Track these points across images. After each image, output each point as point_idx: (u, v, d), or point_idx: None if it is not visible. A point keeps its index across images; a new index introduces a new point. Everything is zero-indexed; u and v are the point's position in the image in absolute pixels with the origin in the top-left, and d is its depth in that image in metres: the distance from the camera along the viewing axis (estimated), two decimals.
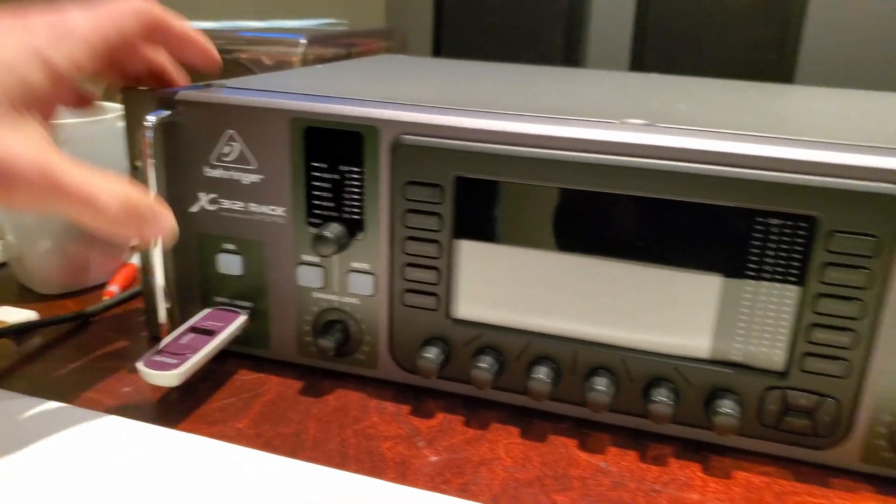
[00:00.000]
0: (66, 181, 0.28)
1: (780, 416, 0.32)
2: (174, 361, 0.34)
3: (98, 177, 0.29)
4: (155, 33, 0.35)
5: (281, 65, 0.57)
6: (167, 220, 0.32)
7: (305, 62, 0.58)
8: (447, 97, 0.38)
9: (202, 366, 0.35)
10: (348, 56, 0.64)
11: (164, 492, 0.29)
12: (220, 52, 0.42)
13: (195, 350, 0.35)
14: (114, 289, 0.46)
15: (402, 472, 0.31)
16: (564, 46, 0.91)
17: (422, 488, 0.30)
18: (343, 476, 0.30)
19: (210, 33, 0.63)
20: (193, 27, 0.37)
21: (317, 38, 0.58)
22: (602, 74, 0.56)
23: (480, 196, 0.33)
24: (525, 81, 0.49)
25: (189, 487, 0.29)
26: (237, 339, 0.39)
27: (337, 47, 0.63)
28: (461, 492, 0.30)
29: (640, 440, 0.34)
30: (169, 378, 0.33)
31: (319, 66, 0.50)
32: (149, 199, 0.32)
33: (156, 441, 0.32)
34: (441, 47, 0.97)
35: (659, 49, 0.89)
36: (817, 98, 0.49)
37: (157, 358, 0.34)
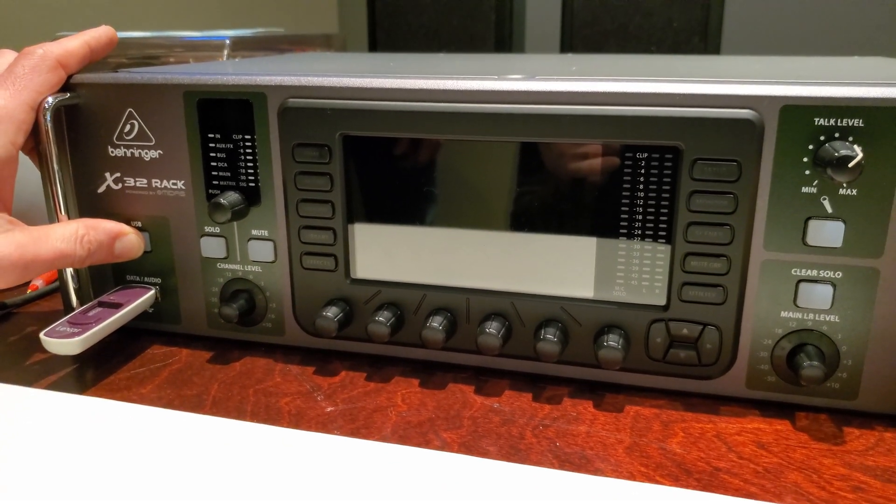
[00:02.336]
0: (39, 254, 0.34)
1: (666, 349, 0.33)
2: (76, 331, 0.34)
3: (56, 232, 0.35)
4: (64, 67, 0.37)
5: None
6: (125, 237, 0.37)
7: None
8: (336, 68, 0.39)
9: (107, 335, 0.36)
10: None
11: (50, 448, 0.29)
12: (150, 58, 0.43)
13: (99, 321, 0.35)
14: (38, 283, 0.47)
15: (295, 422, 0.32)
16: (495, 42, 0.94)
17: (312, 432, 0.30)
18: (233, 423, 0.31)
19: (140, 41, 0.65)
20: (99, 35, 0.39)
21: (243, 42, 0.60)
22: (518, 57, 0.58)
23: (366, 155, 0.34)
24: (430, 63, 0.50)
25: (77, 442, 0.29)
26: (150, 316, 0.39)
27: (267, 51, 0.65)
28: (351, 434, 0.30)
29: (537, 384, 0.35)
30: (69, 346, 0.33)
31: (231, 60, 0.52)
32: (102, 225, 0.36)
33: (57, 406, 0.32)
34: (377, 50, 1.00)
35: (587, 39, 0.91)
36: (713, 61, 0.51)
37: (60, 328, 0.34)
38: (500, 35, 0.94)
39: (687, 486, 0.27)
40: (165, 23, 1.21)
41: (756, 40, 1.52)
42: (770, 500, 0.26)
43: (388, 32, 0.97)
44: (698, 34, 0.86)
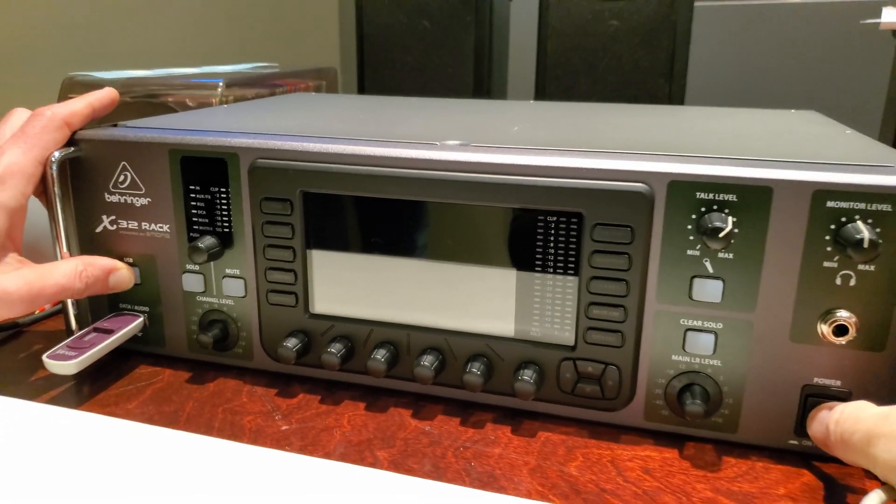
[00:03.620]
0: (44, 288, 0.40)
1: (574, 383, 0.38)
2: (73, 354, 0.40)
3: (59, 269, 0.40)
4: (70, 126, 0.43)
5: (202, 105, 0.65)
6: (118, 271, 0.43)
7: (224, 102, 0.65)
8: (304, 126, 0.45)
9: (101, 357, 0.41)
10: (272, 95, 0.72)
11: (51, 456, 0.35)
12: (151, 96, 0.49)
13: (94, 345, 0.41)
14: (45, 304, 0.53)
15: (254, 438, 0.37)
16: (474, 81, 0.99)
17: (266, 448, 0.36)
18: (200, 438, 0.36)
19: (142, 80, 0.71)
20: (121, 81, 0.45)
21: (236, 81, 0.66)
22: (482, 104, 0.63)
23: (323, 208, 0.40)
24: (392, 112, 0.56)
25: (74, 452, 0.35)
26: (138, 339, 0.45)
27: (260, 87, 0.70)
28: (299, 450, 0.36)
29: (467, 410, 0.40)
30: (67, 367, 0.39)
31: (223, 105, 0.57)
32: (98, 261, 0.42)
33: (52, 419, 0.38)
34: (365, 85, 1.05)
35: (559, 79, 0.96)
36: (650, 115, 0.56)
37: (60, 351, 0.40)
38: (479, 75, 1.00)
39: None
40: (172, 54, 1.27)
41: (721, 83, 1.58)
42: None
43: (375, 68, 1.03)
44: (663, 76, 0.91)
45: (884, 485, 0.29)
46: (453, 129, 0.46)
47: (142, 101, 0.47)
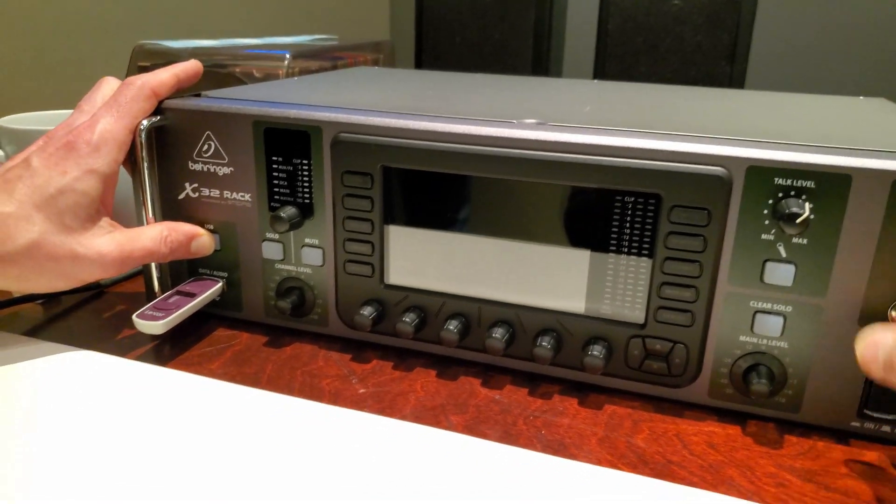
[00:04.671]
0: (133, 251, 0.42)
1: (642, 360, 0.39)
2: (161, 314, 0.42)
3: (146, 233, 0.43)
4: (158, 95, 0.44)
5: (269, 77, 0.66)
6: (200, 237, 0.45)
7: (290, 74, 0.66)
8: (382, 101, 0.46)
9: (184, 319, 0.44)
10: (334, 68, 0.73)
11: (149, 409, 0.37)
12: (218, 66, 0.51)
13: (179, 307, 0.43)
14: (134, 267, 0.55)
15: (333, 400, 0.39)
16: (533, 58, 0.99)
17: (348, 409, 0.38)
18: (284, 398, 0.38)
19: (209, 50, 0.72)
20: (189, 50, 0.46)
21: (301, 53, 0.67)
22: (546, 81, 0.64)
23: (402, 183, 0.41)
24: (460, 87, 0.57)
25: (169, 407, 0.37)
26: (217, 304, 0.47)
27: (323, 60, 0.72)
28: (378, 412, 0.38)
29: (534, 381, 0.42)
30: (156, 327, 0.42)
31: (294, 78, 0.59)
32: (182, 227, 0.44)
33: (146, 375, 0.41)
34: (422, 59, 1.05)
35: (619, 58, 0.95)
36: (721, 99, 0.56)
37: (148, 312, 0.43)
38: (538, 52, 0.99)
39: (642, 474, 0.34)
40: (228, 26, 1.29)
41: (782, 68, 1.54)
42: (706, 489, 0.33)
43: (433, 43, 1.03)
44: (725, 58, 0.89)
45: None
46: (526, 108, 0.47)
47: (209, 70, 0.49)
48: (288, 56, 0.64)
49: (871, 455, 0.36)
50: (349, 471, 0.33)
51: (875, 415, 0.37)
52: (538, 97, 0.54)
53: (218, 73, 0.62)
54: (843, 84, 1.55)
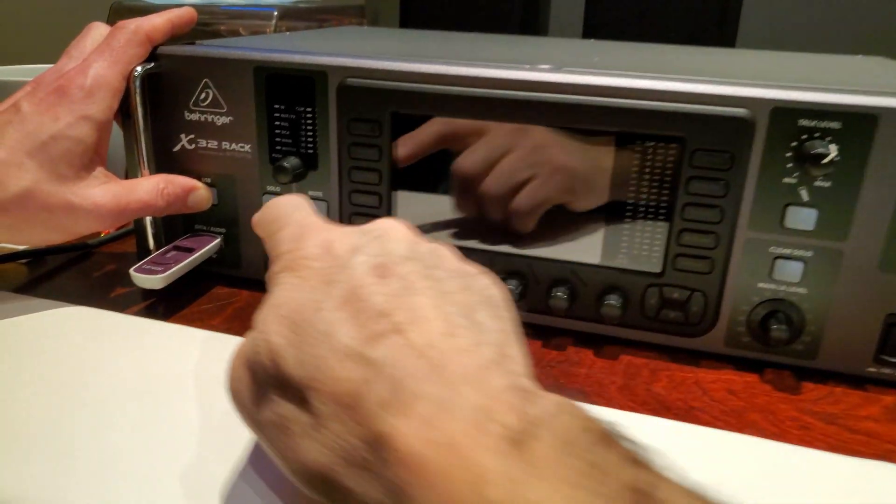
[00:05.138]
0: (130, 203, 0.40)
1: (658, 309, 0.39)
2: (159, 269, 0.40)
3: (142, 185, 0.40)
4: (152, 41, 0.42)
5: (256, 35, 0.64)
6: (197, 191, 0.43)
7: (278, 32, 0.64)
8: (387, 50, 0.45)
9: (182, 274, 0.42)
10: (320, 28, 0.71)
11: (156, 362, 0.35)
12: (201, 24, 0.48)
13: (177, 262, 0.41)
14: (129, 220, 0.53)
15: None
16: (522, 22, 0.97)
17: None
18: None
19: (193, 8, 0.69)
20: (171, 7, 0.44)
21: (288, 13, 0.65)
22: (543, 40, 0.63)
23: (411, 130, 0.40)
24: (463, 44, 0.55)
25: (177, 359, 0.36)
26: (215, 261, 0.45)
27: (309, 21, 0.69)
28: None
29: (546, 334, 0.41)
30: (154, 281, 0.40)
31: (287, 32, 0.57)
32: (179, 180, 0.42)
33: (147, 329, 0.39)
34: (407, 24, 1.03)
35: (608, 23, 0.95)
36: (723, 54, 0.55)
37: (146, 266, 0.41)
38: (527, 16, 0.98)
39: (665, 419, 0.33)
40: None
41: (772, 31, 1.54)
42: (731, 431, 0.32)
43: (419, 6, 1.01)
44: (714, 22, 0.89)
45: None
46: (535, 57, 0.46)
47: (194, 29, 0.46)
48: (275, 14, 0.62)
49: (889, 399, 0.36)
50: None
51: (892, 360, 0.37)
52: (542, 50, 0.53)
53: (202, 31, 0.60)
54: (836, 47, 1.57)
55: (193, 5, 0.73)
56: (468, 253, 0.41)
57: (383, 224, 0.27)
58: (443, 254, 0.26)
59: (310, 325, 0.21)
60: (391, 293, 0.22)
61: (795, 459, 0.30)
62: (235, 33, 0.63)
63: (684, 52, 0.55)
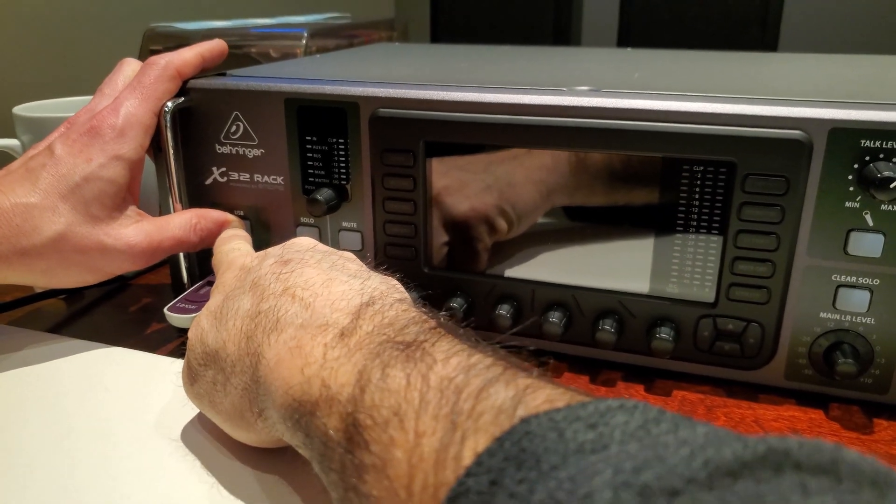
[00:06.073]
0: (163, 241, 0.39)
1: (712, 341, 0.37)
2: (193, 307, 0.40)
3: (174, 222, 0.40)
4: (182, 76, 0.41)
5: (286, 56, 0.63)
6: (230, 224, 0.42)
7: (308, 53, 0.63)
8: (418, 75, 0.43)
9: None
10: (350, 46, 0.70)
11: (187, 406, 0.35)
12: (232, 47, 0.48)
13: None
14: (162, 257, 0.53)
15: None
16: (554, 29, 0.95)
17: None
18: None
19: (222, 31, 0.69)
20: (202, 32, 0.43)
21: (318, 31, 0.64)
22: (579, 51, 0.61)
23: (445, 157, 0.38)
24: (494, 59, 0.54)
25: None
26: None
27: (339, 38, 0.69)
28: None
29: (594, 368, 0.39)
30: (188, 320, 0.39)
31: (317, 55, 0.56)
32: (211, 214, 0.41)
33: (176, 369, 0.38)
34: (438, 35, 1.02)
35: (644, 27, 0.92)
36: (770, 62, 0.53)
37: (180, 304, 0.40)
38: (559, 23, 0.96)
39: None
40: (233, 6, 1.26)
41: (815, 32, 1.49)
42: None
43: (449, 17, 1.00)
44: (757, 24, 0.86)
45: None
46: (571, 75, 0.44)
47: None
48: (305, 34, 0.61)
49: None
50: None
51: None
52: (578, 64, 0.51)
53: (232, 53, 0.59)
54: (881, 48, 1.50)
55: (223, 28, 0.73)
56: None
57: (294, 238, 0.33)
58: (343, 252, 0.32)
59: (225, 310, 0.29)
60: (288, 271, 0.28)
61: None
62: (266, 55, 0.62)
63: (727, 61, 0.53)
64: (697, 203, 0.35)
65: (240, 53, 0.61)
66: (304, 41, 0.62)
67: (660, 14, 0.91)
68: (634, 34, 0.93)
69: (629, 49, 0.62)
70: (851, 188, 0.33)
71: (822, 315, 0.35)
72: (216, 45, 0.44)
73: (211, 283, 0.43)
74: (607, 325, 0.37)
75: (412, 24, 0.85)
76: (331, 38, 0.68)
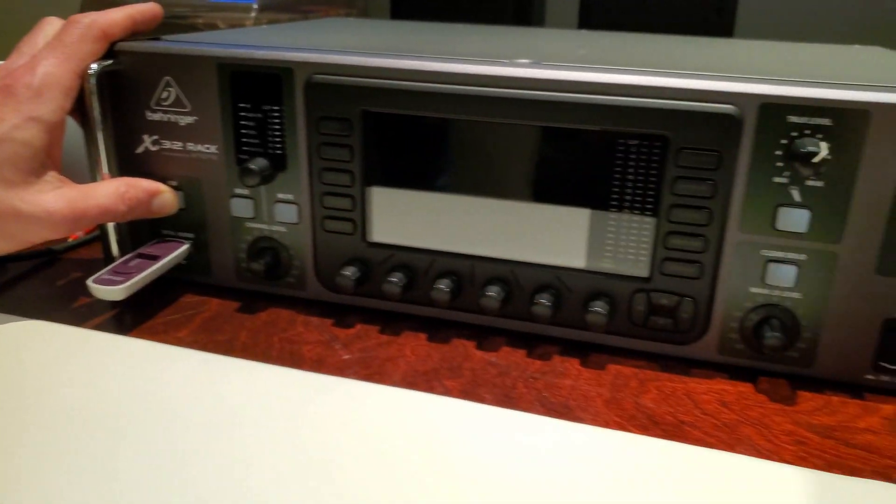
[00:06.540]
0: (87, 209, 0.37)
1: (646, 316, 0.37)
2: (120, 278, 0.38)
3: (100, 189, 0.38)
4: (108, 37, 0.39)
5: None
6: (162, 194, 0.41)
7: (258, 25, 0.62)
8: (360, 44, 0.42)
9: (146, 284, 0.40)
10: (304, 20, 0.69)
11: (112, 382, 0.33)
12: (178, 18, 0.46)
13: (140, 271, 0.39)
14: (79, 232, 0.51)
15: (316, 367, 0.36)
16: (515, 12, 0.95)
17: (332, 375, 0.35)
18: (262, 365, 0.35)
19: (168, 1, 0.67)
20: (131, 5, 0.41)
21: (270, 5, 0.62)
22: (534, 31, 0.60)
23: (384, 128, 0.38)
24: (446, 35, 0.53)
25: (135, 378, 0.34)
26: (183, 268, 0.43)
27: (293, 13, 0.67)
28: (365, 378, 0.35)
29: (531, 342, 0.39)
30: (114, 292, 0.38)
31: (261, 26, 0.54)
32: (141, 183, 0.40)
33: (106, 344, 0.37)
34: (399, 14, 1.01)
35: (604, 12, 0.92)
36: (722, 45, 0.53)
37: (106, 276, 0.39)
38: (520, 6, 0.95)
39: (653, 435, 0.32)
40: None
41: (770, 20, 1.52)
42: (723, 450, 0.31)
43: None
44: (713, 11, 0.87)
45: None
46: (517, 49, 0.43)
47: (168, 22, 0.44)
48: (255, 6, 0.60)
49: (889, 409, 0.34)
50: (338, 440, 0.30)
51: (890, 366, 0.35)
52: (528, 42, 0.50)
53: (178, 24, 0.58)
54: (833, 35, 1.54)
55: None
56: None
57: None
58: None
59: None
60: None
61: (790, 481, 0.29)
62: (213, 27, 0.60)
63: (677, 43, 0.53)
64: (632, 178, 0.35)
65: (185, 24, 0.59)
66: (253, 13, 0.60)
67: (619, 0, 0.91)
68: (595, 19, 0.93)
69: (584, 31, 0.62)
70: (780, 163, 0.33)
71: (752, 290, 0.35)
72: (149, 8, 0.42)
73: (142, 256, 0.41)
74: (543, 300, 0.37)
75: (373, 3, 0.84)
76: (284, 13, 0.67)
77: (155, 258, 0.41)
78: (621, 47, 0.49)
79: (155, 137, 0.41)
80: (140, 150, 0.42)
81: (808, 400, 0.35)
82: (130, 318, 0.41)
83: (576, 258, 0.37)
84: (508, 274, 0.38)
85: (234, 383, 0.34)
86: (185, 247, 0.42)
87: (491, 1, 0.97)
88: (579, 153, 0.35)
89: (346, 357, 0.37)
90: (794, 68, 0.39)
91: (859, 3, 1.53)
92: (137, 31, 0.42)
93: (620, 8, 0.92)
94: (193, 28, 0.59)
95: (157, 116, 0.41)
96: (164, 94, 0.40)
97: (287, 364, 0.36)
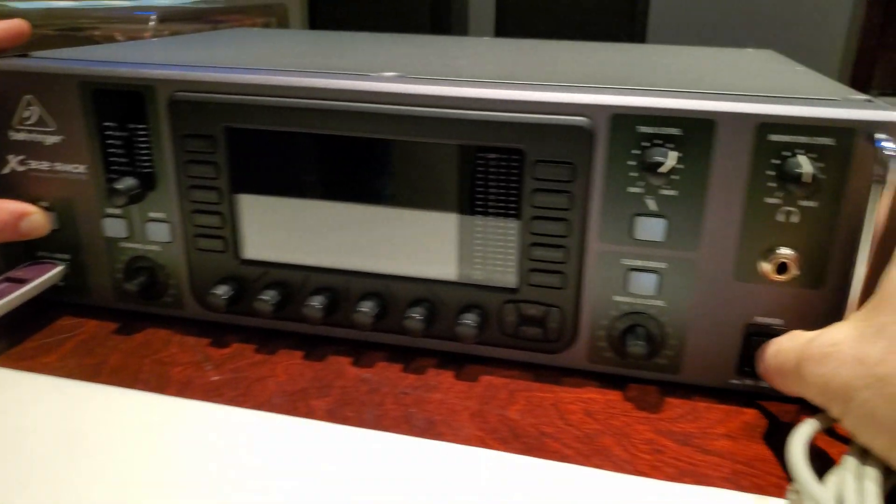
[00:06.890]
0: None
1: (517, 326, 0.37)
2: None
3: None
4: None
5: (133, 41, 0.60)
6: (30, 216, 0.39)
7: (158, 37, 0.60)
8: (232, 59, 0.42)
9: (13, 308, 0.39)
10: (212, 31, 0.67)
11: None
12: (74, 29, 0.45)
13: (4, 296, 0.38)
14: None
15: (181, 390, 0.35)
16: (431, 20, 0.95)
17: (195, 400, 0.34)
18: (113, 390, 0.34)
19: (68, 12, 0.65)
20: (39, 12, 0.40)
21: (172, 15, 0.61)
22: (436, 39, 0.60)
23: (250, 143, 0.37)
24: (336, 46, 0.53)
25: None
26: (60, 289, 0.42)
27: (200, 23, 0.66)
28: (230, 401, 0.34)
29: (409, 356, 0.39)
30: None
31: (136, 41, 0.53)
32: (7, 205, 0.38)
33: None
34: (317, 23, 1.00)
35: (519, 19, 0.93)
36: (602, 51, 0.54)
37: None
38: (437, 10, 0.95)
39: (514, 448, 0.32)
40: None
41: (680, 25, 1.55)
42: (579, 461, 0.31)
43: (329, 6, 0.97)
44: (625, 15, 0.88)
45: (816, 414, 0.29)
46: (396, 62, 0.43)
47: (65, 34, 0.43)
48: (153, 17, 0.59)
49: (750, 414, 0.35)
50: (178, 470, 0.29)
51: (753, 370, 0.35)
52: (416, 53, 0.50)
53: (75, 37, 0.56)
54: (745, 40, 1.57)
55: (69, 9, 0.69)
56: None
57: None
58: None
59: None
60: None
61: (629, 492, 0.29)
62: (111, 38, 0.59)
63: (563, 51, 0.53)
64: (494, 189, 0.35)
65: (82, 36, 0.57)
66: (151, 24, 0.59)
67: (535, 8, 0.92)
68: (511, 25, 0.93)
69: (487, 38, 0.62)
70: (634, 174, 0.33)
71: (616, 298, 0.36)
72: (12, 25, 0.41)
73: (10, 280, 0.40)
74: (415, 314, 0.37)
75: (293, 12, 0.83)
76: (189, 23, 0.66)
77: (23, 282, 0.40)
78: (504, 57, 0.49)
79: (21, 157, 0.40)
80: (6, 170, 0.41)
81: (675, 407, 0.35)
82: (1, 343, 0.39)
83: (447, 267, 0.37)
84: (383, 288, 0.38)
85: (70, 411, 0.33)
86: (58, 269, 0.41)
87: (408, 9, 0.96)
88: (444, 164, 0.35)
89: (215, 378, 0.36)
90: (651, 77, 0.40)
91: (766, 6, 1.56)
92: (2, 49, 0.41)
93: (535, 18, 0.93)
94: (89, 40, 0.58)
95: (21, 136, 0.40)
96: (27, 114, 0.39)
97: (152, 388, 0.35)
